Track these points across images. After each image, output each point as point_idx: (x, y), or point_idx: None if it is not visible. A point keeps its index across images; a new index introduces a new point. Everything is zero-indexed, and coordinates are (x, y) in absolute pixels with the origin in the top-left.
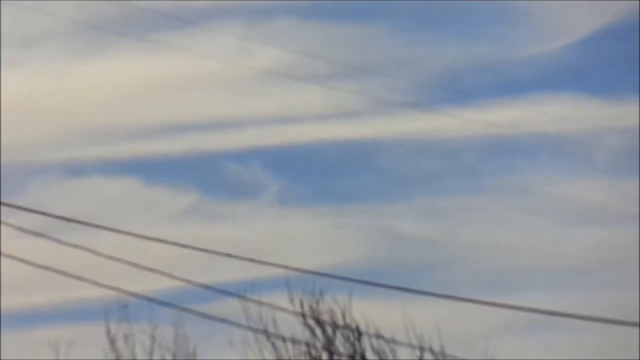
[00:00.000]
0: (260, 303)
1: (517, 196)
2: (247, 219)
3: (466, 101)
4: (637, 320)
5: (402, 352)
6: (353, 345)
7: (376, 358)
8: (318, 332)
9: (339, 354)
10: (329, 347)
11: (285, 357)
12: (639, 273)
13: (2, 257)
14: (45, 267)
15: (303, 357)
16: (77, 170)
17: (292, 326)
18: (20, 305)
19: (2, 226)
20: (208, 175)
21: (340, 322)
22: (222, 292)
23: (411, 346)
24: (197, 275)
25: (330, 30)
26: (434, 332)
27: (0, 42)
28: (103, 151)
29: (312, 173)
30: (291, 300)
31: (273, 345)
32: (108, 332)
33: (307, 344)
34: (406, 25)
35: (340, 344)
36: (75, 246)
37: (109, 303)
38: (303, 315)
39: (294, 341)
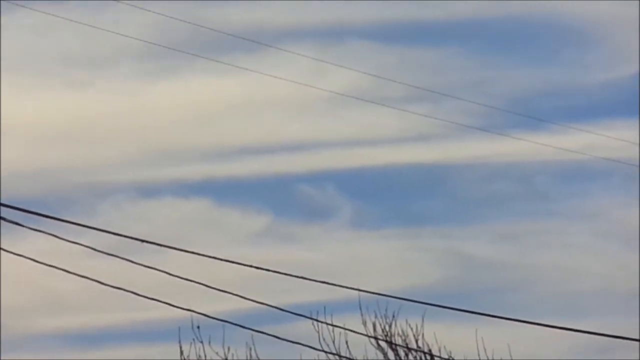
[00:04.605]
0: (332, 325)
1: (588, 221)
2: (320, 242)
3: (539, 125)
4: None
5: None
6: None
7: None
8: (391, 354)
9: None
10: None
11: None
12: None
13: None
14: (118, 288)
15: None
16: (149, 191)
17: (365, 349)
18: (94, 325)
19: (75, 246)
20: (281, 197)
21: (413, 344)
22: (295, 314)
23: None
24: (270, 297)
25: (404, 53)
26: (506, 355)
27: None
28: (175, 172)
29: (386, 196)
30: (364, 323)
31: None
32: (181, 352)
33: None
34: (479, 49)
35: None
36: (148, 267)
37: (182, 324)
38: (376, 338)
39: None
